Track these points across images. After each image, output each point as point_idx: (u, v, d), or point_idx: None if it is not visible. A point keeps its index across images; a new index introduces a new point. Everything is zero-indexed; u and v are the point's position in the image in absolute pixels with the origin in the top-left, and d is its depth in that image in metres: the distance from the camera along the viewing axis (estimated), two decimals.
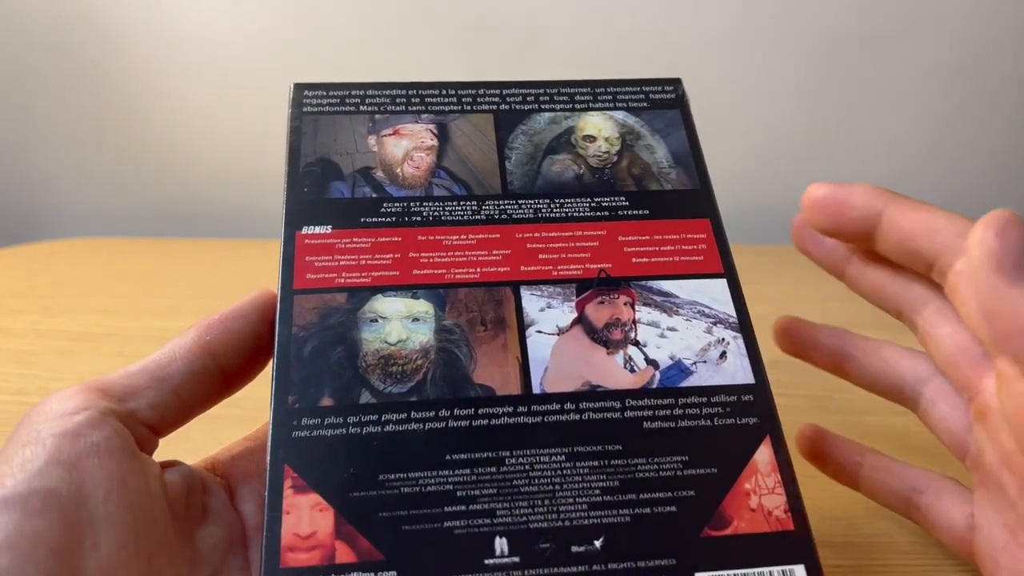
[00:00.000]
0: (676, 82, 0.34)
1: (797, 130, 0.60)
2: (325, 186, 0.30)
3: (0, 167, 0.65)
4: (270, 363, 0.26)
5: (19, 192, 0.67)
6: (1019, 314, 0.21)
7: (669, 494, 0.24)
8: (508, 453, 0.24)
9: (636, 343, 0.27)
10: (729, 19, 0.55)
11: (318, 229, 0.29)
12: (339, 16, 0.56)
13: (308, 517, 0.23)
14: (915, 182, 0.63)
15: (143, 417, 0.24)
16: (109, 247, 0.57)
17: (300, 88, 0.32)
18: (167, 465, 0.25)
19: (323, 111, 0.32)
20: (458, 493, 0.24)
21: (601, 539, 0.23)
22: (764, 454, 0.25)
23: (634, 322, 0.28)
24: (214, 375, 0.26)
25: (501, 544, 0.23)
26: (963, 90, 0.58)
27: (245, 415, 0.28)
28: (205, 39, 0.58)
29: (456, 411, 0.25)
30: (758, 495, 0.24)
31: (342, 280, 0.27)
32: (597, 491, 0.24)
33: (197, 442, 0.26)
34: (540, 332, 0.27)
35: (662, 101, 0.33)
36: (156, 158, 0.64)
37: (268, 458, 0.24)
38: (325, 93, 0.32)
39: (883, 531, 0.33)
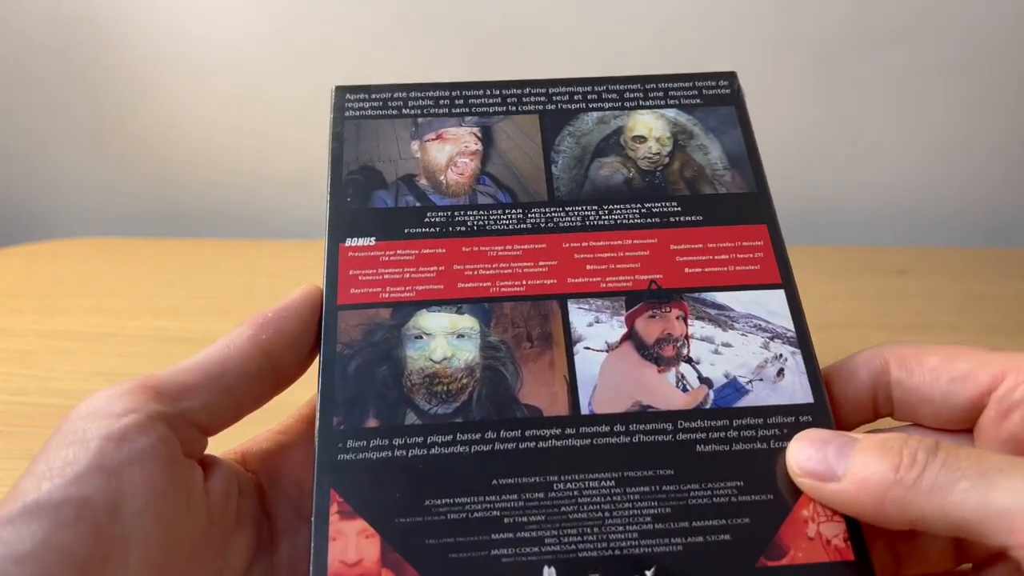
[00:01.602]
0: (731, 76, 0.32)
1: (797, 130, 0.59)
2: (368, 195, 0.29)
3: (0, 167, 0.66)
4: (316, 381, 0.26)
5: (20, 192, 0.67)
6: (856, 499, 0.22)
7: (723, 522, 0.23)
8: (556, 478, 0.24)
9: (689, 360, 0.26)
10: (729, 19, 0.54)
11: (362, 241, 0.28)
12: (338, 18, 0.56)
13: (355, 544, 0.23)
14: (915, 182, 0.62)
15: (195, 419, 0.24)
16: (109, 247, 0.57)
17: (342, 91, 0.31)
18: (208, 465, 0.24)
19: (365, 115, 0.31)
20: (505, 520, 0.23)
21: (652, 570, 0.23)
22: None
23: (687, 337, 0.27)
24: (268, 375, 0.25)
25: (550, 574, 0.22)
26: (963, 90, 0.57)
27: (250, 415, 0.28)
28: (205, 42, 0.58)
29: (502, 433, 0.25)
30: (816, 523, 0.23)
31: (386, 295, 0.27)
32: (648, 518, 0.23)
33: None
34: (588, 349, 0.26)
35: (716, 97, 0.32)
36: (156, 158, 0.64)
37: (314, 481, 0.24)
38: (367, 96, 0.31)
39: None
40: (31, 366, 0.44)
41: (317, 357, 0.27)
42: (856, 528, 0.23)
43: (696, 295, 0.27)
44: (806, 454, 0.23)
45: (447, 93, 0.32)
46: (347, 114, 0.31)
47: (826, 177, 0.61)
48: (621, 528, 0.23)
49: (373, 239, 0.28)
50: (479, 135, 0.31)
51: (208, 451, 0.25)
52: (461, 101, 0.31)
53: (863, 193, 0.62)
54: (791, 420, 0.25)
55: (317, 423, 0.25)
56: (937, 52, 0.55)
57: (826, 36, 0.55)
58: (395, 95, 0.31)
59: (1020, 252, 0.57)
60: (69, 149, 0.64)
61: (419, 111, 0.31)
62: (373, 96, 0.31)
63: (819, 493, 0.23)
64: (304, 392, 0.27)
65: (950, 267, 0.54)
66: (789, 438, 0.25)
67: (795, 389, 0.26)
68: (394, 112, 0.31)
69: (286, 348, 0.26)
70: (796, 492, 0.24)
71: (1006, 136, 0.59)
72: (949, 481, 0.21)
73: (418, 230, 0.28)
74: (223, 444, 0.27)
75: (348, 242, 0.28)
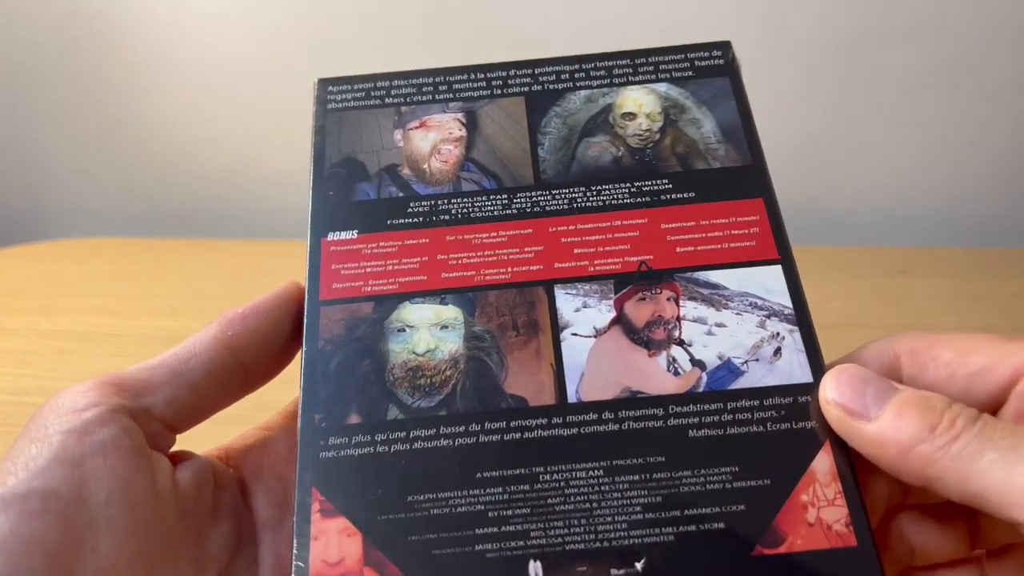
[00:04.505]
0: (725, 46, 0.31)
1: (795, 130, 0.58)
2: (351, 188, 0.29)
3: (1, 167, 0.67)
4: (298, 379, 0.26)
5: (19, 192, 0.68)
6: (881, 443, 0.22)
7: (717, 509, 0.22)
8: (542, 469, 0.23)
9: (680, 343, 0.25)
10: (728, 19, 0.54)
11: (344, 235, 0.28)
12: (337, 19, 0.56)
13: (336, 543, 0.22)
14: (915, 182, 0.61)
15: (158, 414, 0.24)
16: (109, 247, 0.57)
17: (324, 84, 0.31)
18: (180, 459, 0.24)
19: (348, 107, 0.30)
20: (490, 514, 0.23)
21: (642, 561, 0.22)
22: (823, 462, 0.23)
23: (678, 319, 0.26)
24: (234, 372, 0.25)
25: (535, 568, 0.22)
26: (964, 91, 0.56)
27: (244, 415, 0.27)
28: (205, 43, 0.58)
29: (487, 425, 0.24)
30: (816, 507, 0.22)
31: (369, 288, 0.26)
32: (638, 508, 0.22)
33: (194, 442, 0.26)
34: (576, 335, 0.25)
35: (709, 68, 0.31)
36: (156, 159, 0.64)
37: (296, 480, 0.23)
38: (350, 87, 0.31)
39: None
40: (31, 366, 0.45)
41: (297, 355, 0.26)
42: (860, 512, 0.22)
43: (688, 275, 0.26)
44: (844, 386, 0.23)
45: (430, 79, 0.31)
46: (329, 106, 0.30)
47: (826, 177, 0.61)
48: (610, 519, 0.22)
49: (355, 232, 0.28)
50: (463, 120, 0.30)
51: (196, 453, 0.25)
52: (445, 87, 0.31)
53: (863, 193, 0.62)
54: (788, 401, 0.24)
55: (299, 421, 0.24)
56: (938, 53, 0.55)
57: (827, 37, 0.55)
58: (378, 84, 0.31)
59: (1020, 252, 0.56)
60: (69, 149, 0.64)
61: (402, 99, 0.30)
62: (356, 87, 0.31)
63: (844, 427, 0.23)
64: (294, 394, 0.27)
65: (950, 267, 0.54)
66: (787, 420, 0.24)
67: (793, 368, 0.24)
68: (376, 102, 0.30)
69: (253, 345, 0.25)
70: (795, 476, 0.23)
71: (1006, 136, 0.58)
72: (979, 451, 0.20)
73: (401, 221, 0.28)
74: (212, 445, 0.27)
75: (330, 236, 0.28)
